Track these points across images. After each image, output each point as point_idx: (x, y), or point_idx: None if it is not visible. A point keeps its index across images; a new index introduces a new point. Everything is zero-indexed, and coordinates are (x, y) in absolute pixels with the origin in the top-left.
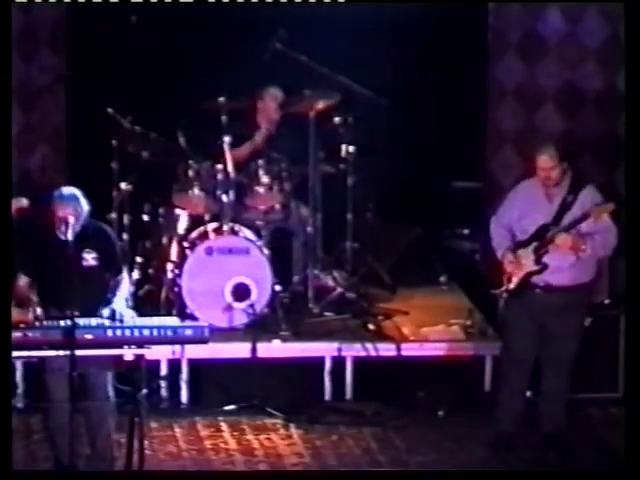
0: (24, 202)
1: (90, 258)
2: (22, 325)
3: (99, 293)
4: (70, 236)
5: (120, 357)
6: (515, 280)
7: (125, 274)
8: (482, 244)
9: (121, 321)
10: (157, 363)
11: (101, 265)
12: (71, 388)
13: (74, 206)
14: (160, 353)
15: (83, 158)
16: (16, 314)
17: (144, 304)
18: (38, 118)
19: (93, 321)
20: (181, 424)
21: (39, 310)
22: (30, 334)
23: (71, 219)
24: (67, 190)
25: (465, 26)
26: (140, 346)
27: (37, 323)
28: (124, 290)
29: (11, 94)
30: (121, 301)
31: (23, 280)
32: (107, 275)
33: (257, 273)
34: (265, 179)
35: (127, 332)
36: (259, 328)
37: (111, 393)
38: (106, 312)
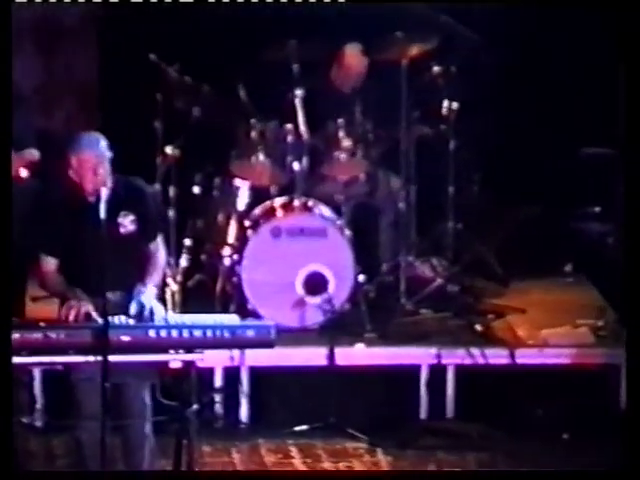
0: (34, 154)
1: (128, 222)
2: (42, 324)
3: (135, 269)
4: (103, 194)
5: (165, 364)
6: None
7: (160, 244)
8: (616, 225)
9: (151, 318)
10: (211, 372)
11: (140, 230)
12: (104, 402)
13: (101, 154)
14: (214, 359)
15: (119, 117)
16: (38, 308)
17: (194, 298)
18: (62, 66)
19: (128, 319)
20: (240, 448)
21: (84, 305)
22: (53, 334)
23: (101, 171)
24: (88, 135)
25: None
26: (190, 350)
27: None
28: (157, 270)
29: (11, 93)
30: (151, 290)
31: (51, 263)
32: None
33: (336, 260)
34: (347, 143)
35: (174, 333)
36: (338, 329)
37: (152, 409)
38: (133, 307)
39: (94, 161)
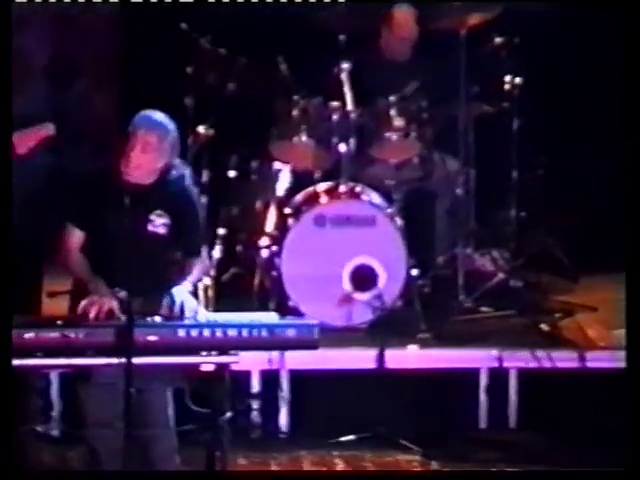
0: (50, 129)
1: (159, 223)
2: (60, 322)
3: (158, 276)
4: (149, 178)
5: (196, 367)
6: None
7: (205, 255)
8: None
9: (182, 313)
10: (247, 376)
11: (171, 237)
12: (127, 410)
13: (163, 135)
14: (251, 362)
15: (143, 92)
16: (55, 304)
17: (229, 294)
18: (78, 34)
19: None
20: (280, 460)
21: (108, 301)
22: (71, 334)
23: (156, 156)
24: (154, 114)
25: None
26: (223, 352)
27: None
28: (198, 275)
29: (11, 93)
30: (185, 285)
31: (76, 236)
32: (177, 254)
33: (386, 251)
34: (399, 122)
35: (206, 333)
36: (388, 328)
37: (181, 417)
38: (165, 302)
39: (157, 145)
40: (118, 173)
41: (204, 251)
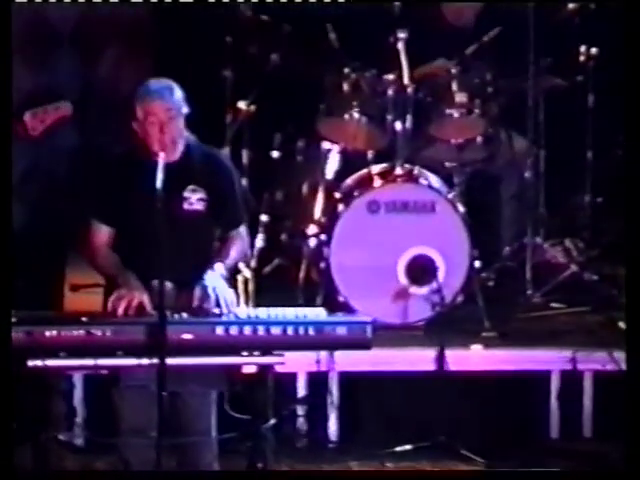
0: (67, 106)
1: (195, 199)
2: (85, 318)
3: (200, 262)
4: (161, 159)
5: (236, 369)
6: None
7: (244, 230)
8: None
9: (218, 308)
10: (292, 379)
11: (211, 211)
12: (160, 416)
13: (175, 107)
14: (297, 363)
15: (178, 64)
16: (79, 298)
17: (272, 287)
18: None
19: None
20: (328, 472)
21: (138, 295)
22: (97, 332)
23: (172, 128)
24: (159, 82)
25: None
26: (266, 352)
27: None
28: (234, 253)
29: (11, 94)
30: (220, 271)
31: (103, 232)
32: (217, 231)
33: (446, 241)
34: (461, 97)
35: (247, 330)
36: (449, 326)
37: (219, 424)
38: (197, 292)
39: (164, 114)
40: (142, 152)
41: (244, 226)
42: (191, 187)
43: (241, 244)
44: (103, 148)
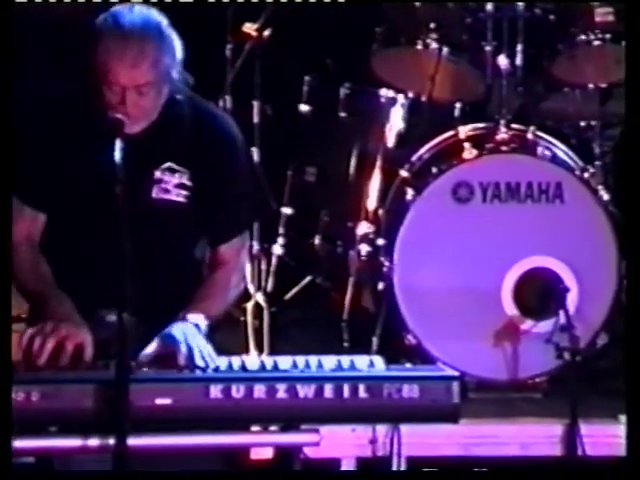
0: None
1: (172, 184)
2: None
3: (184, 275)
4: (147, 118)
5: (243, 452)
6: None
7: (246, 241)
8: None
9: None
10: (336, 465)
11: (196, 206)
12: None
13: (154, 47)
14: (340, 444)
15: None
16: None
17: (300, 321)
18: None
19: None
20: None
21: (75, 333)
22: (18, 394)
23: (145, 101)
24: (132, 11)
25: None
26: (290, 426)
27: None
28: (223, 290)
29: (12, 93)
30: (197, 320)
31: (28, 217)
32: (201, 241)
33: (581, 247)
34: (604, 14)
35: (259, 390)
36: (586, 385)
37: None
38: (152, 346)
39: (133, 81)
40: (99, 105)
41: (246, 237)
42: (167, 164)
43: (237, 274)
44: (35, 87)
